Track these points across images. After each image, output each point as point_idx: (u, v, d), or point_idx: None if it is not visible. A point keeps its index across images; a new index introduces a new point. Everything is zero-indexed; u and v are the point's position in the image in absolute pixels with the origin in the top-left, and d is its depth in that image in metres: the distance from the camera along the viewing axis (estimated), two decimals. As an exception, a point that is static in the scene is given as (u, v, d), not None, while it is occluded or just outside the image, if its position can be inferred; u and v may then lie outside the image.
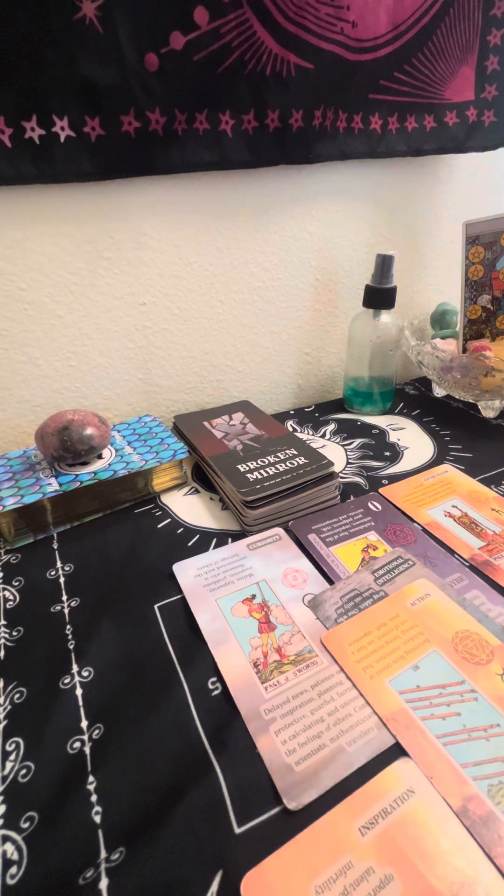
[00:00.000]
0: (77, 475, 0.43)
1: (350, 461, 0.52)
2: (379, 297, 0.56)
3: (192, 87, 0.44)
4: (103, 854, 0.22)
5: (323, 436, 0.58)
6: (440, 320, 0.66)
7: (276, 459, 0.46)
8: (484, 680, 0.28)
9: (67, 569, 0.38)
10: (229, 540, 0.41)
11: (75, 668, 0.30)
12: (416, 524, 0.42)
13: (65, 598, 0.36)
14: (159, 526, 0.43)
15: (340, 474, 0.50)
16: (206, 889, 0.21)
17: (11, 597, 0.36)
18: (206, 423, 0.55)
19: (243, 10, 0.43)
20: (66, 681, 0.30)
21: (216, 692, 0.29)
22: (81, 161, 0.43)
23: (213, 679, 0.30)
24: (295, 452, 0.47)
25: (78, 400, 0.55)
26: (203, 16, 0.42)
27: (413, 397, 0.67)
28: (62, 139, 0.42)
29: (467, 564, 0.37)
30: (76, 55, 0.39)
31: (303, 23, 0.45)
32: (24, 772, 0.25)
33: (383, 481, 0.48)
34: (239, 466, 0.45)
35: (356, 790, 0.24)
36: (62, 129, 0.41)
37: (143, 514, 0.45)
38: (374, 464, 0.52)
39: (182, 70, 0.43)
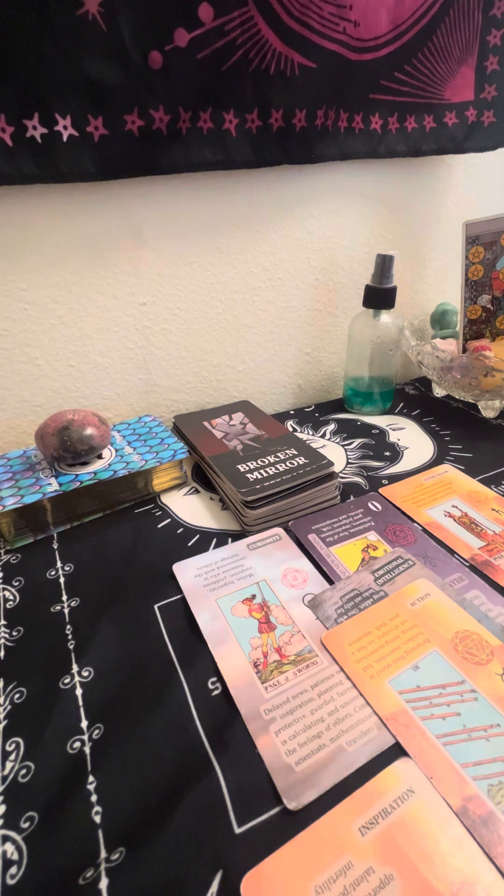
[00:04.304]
0: (77, 475, 0.43)
1: (350, 461, 0.52)
2: (379, 297, 0.56)
3: (197, 85, 0.44)
4: (103, 854, 0.22)
5: (323, 436, 0.58)
6: (440, 320, 0.66)
7: (276, 459, 0.46)
8: (484, 680, 0.28)
9: (67, 569, 0.38)
10: (229, 540, 0.41)
11: (75, 667, 0.30)
12: (416, 524, 0.42)
13: (65, 598, 0.36)
14: (159, 526, 0.43)
15: (340, 474, 0.50)
16: (205, 889, 0.21)
17: (11, 597, 0.36)
18: (206, 423, 0.55)
19: (248, 8, 0.42)
20: (66, 681, 0.30)
21: (216, 692, 0.29)
22: (84, 161, 0.43)
23: (213, 679, 0.30)
24: (295, 452, 0.47)
25: (78, 400, 0.55)
26: (208, 12, 0.41)
27: (413, 397, 0.67)
28: (64, 138, 0.42)
29: (467, 564, 0.38)
30: (79, 52, 0.39)
31: (306, 21, 0.45)
32: (24, 772, 0.25)
33: (383, 481, 0.48)
34: (239, 466, 0.45)
35: (356, 790, 0.24)
36: (65, 128, 0.41)
37: (143, 514, 0.45)
38: (374, 464, 0.52)
39: (186, 68, 0.43)
